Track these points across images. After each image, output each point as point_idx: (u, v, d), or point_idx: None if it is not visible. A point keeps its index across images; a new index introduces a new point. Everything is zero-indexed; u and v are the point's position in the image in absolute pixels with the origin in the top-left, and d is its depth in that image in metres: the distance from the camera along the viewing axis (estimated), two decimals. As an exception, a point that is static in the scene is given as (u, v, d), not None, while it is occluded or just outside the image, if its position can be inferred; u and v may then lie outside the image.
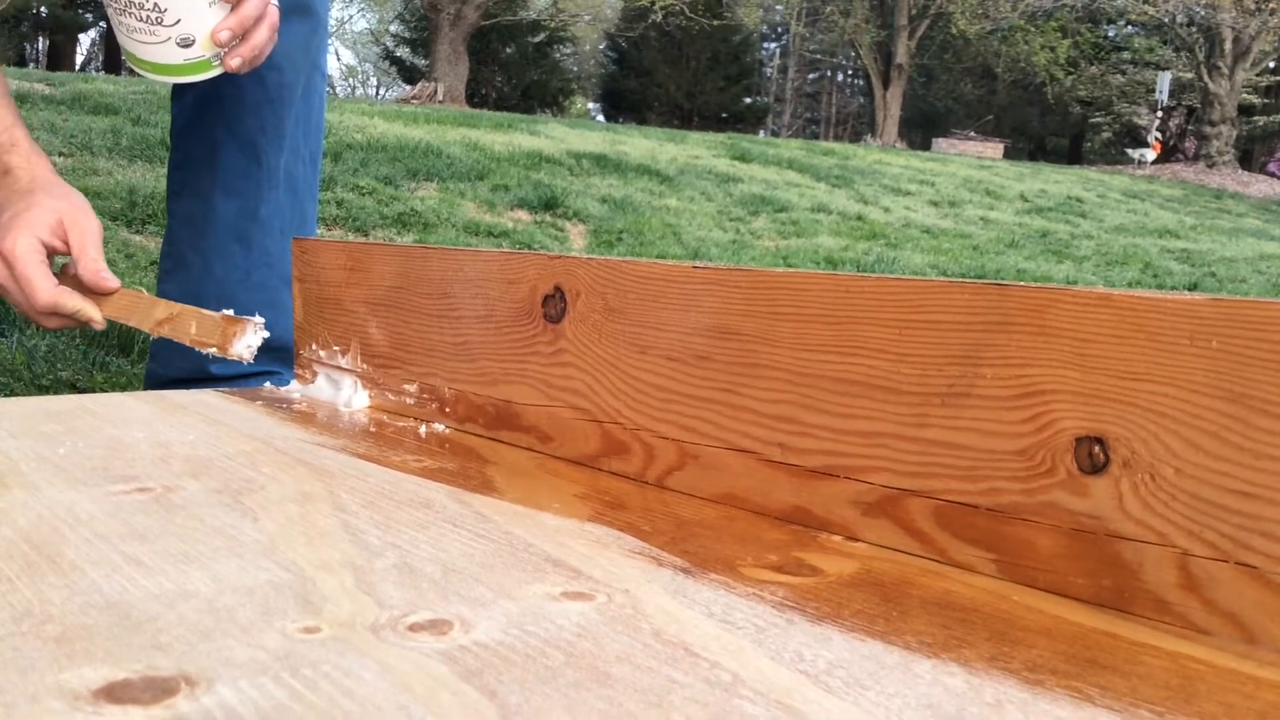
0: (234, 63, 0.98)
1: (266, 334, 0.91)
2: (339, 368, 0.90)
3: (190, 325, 0.90)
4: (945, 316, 0.50)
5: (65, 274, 0.95)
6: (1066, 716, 0.35)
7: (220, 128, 1.20)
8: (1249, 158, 22.29)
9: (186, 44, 0.96)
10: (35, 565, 0.45)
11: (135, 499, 0.56)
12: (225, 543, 0.50)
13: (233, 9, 0.96)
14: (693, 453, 0.61)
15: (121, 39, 1.00)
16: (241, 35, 0.98)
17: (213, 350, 0.90)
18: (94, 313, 0.92)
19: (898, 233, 6.69)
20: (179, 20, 0.95)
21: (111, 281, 0.92)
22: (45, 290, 0.90)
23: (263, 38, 0.99)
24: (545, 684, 0.36)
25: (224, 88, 1.04)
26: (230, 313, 0.90)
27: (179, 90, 1.20)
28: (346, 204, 4.62)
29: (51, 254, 0.93)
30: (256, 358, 1.19)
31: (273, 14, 1.00)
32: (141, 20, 0.95)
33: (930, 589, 0.47)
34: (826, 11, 24.68)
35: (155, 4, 0.94)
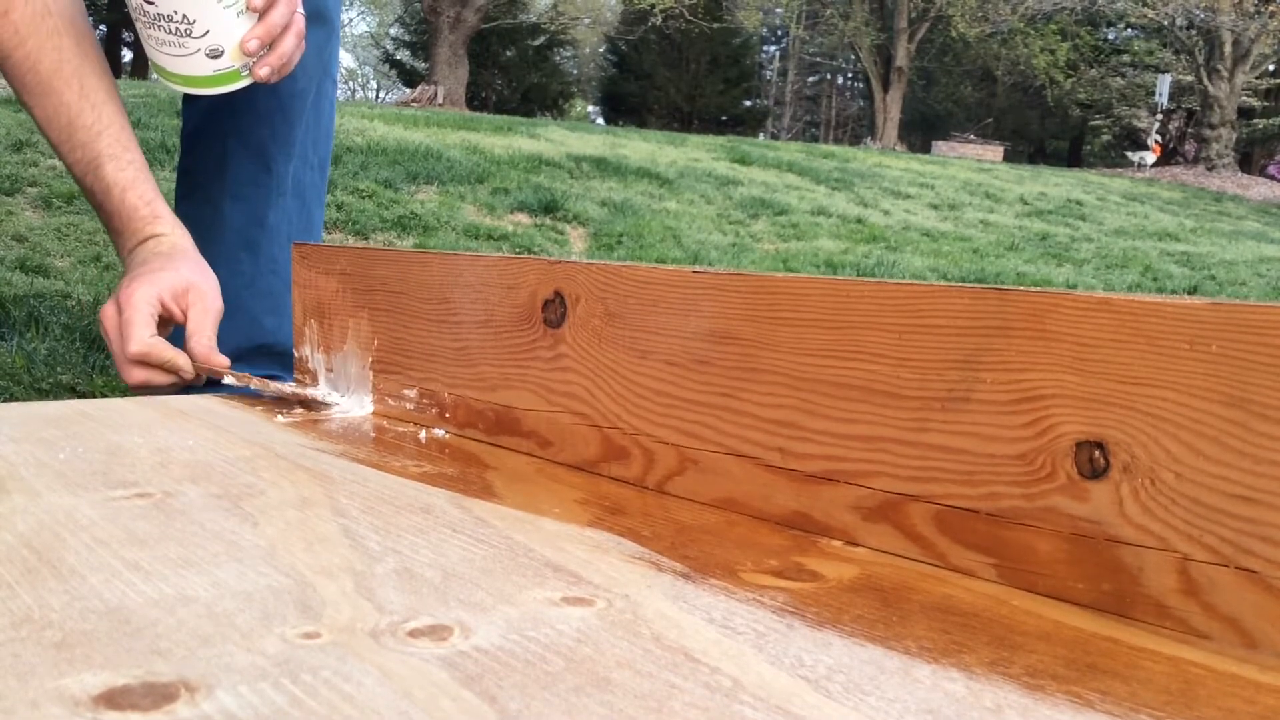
0: (263, 72, 0.99)
1: (337, 403, 0.90)
2: (338, 373, 0.90)
3: (270, 386, 0.91)
4: (945, 321, 0.50)
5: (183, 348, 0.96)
6: (1067, 722, 0.35)
7: (230, 134, 1.20)
8: (1249, 160, 22.29)
9: (215, 55, 0.97)
10: (35, 570, 0.45)
11: (135, 504, 0.56)
12: (225, 548, 0.50)
13: (260, 18, 0.96)
14: (693, 458, 0.61)
15: (150, 53, 1.00)
16: (269, 44, 0.98)
17: (290, 389, 0.90)
18: (184, 362, 0.92)
19: (898, 236, 6.70)
20: (208, 31, 0.95)
21: (220, 361, 0.92)
22: (138, 340, 0.90)
23: (290, 46, 0.99)
24: (545, 689, 0.36)
25: (236, 95, 1.05)
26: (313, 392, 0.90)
27: (190, 95, 1.20)
28: (346, 207, 4.62)
29: (166, 317, 0.93)
30: (258, 362, 1.19)
31: (299, 22, 1.00)
32: (170, 33, 0.96)
33: (930, 594, 0.47)
34: (826, 14, 24.70)
35: (184, 16, 0.94)
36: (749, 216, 6.53)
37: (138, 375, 0.92)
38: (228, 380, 0.91)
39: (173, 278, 0.93)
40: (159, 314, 0.93)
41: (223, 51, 0.96)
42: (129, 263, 0.99)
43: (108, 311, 0.94)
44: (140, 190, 1.00)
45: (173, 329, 0.97)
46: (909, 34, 21.86)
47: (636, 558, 0.50)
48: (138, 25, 0.98)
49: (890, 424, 0.52)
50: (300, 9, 1.01)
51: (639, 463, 0.65)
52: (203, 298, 0.94)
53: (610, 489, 0.64)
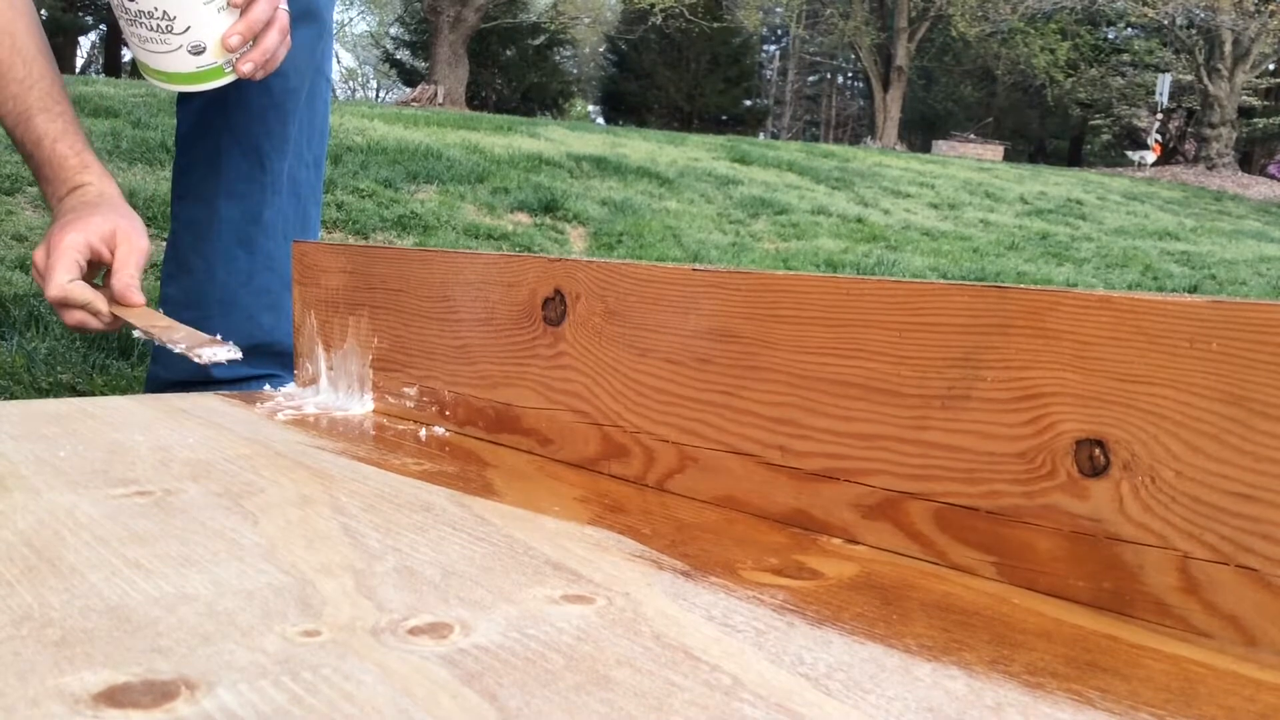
0: (246, 68, 0.99)
1: (237, 357, 0.91)
2: (338, 370, 0.90)
3: (177, 334, 0.92)
4: (945, 319, 0.50)
5: (105, 285, 1.00)
6: (1067, 719, 0.35)
7: (224, 133, 1.20)
8: (1249, 160, 22.28)
9: (198, 51, 0.97)
10: (35, 569, 0.45)
11: (135, 502, 0.56)
12: (225, 546, 0.50)
13: (242, 14, 0.97)
14: (693, 455, 0.61)
15: (134, 51, 1.00)
16: (252, 40, 0.98)
17: (181, 348, 0.91)
18: (102, 306, 0.95)
19: (898, 235, 6.69)
20: (189, 28, 0.95)
21: (137, 298, 0.96)
22: (56, 284, 0.93)
23: (274, 42, 1.00)
24: (545, 687, 0.36)
25: (229, 93, 1.05)
26: (219, 338, 0.91)
27: (184, 95, 1.20)
28: (346, 206, 4.61)
29: (95, 260, 0.97)
30: (258, 361, 1.19)
31: (282, 18, 1.00)
32: (152, 30, 0.96)
33: (930, 592, 0.47)
34: (826, 14, 24.68)
35: (164, 12, 0.95)
36: (749, 216, 6.53)
37: (72, 317, 0.96)
38: (137, 327, 0.94)
39: (101, 223, 0.97)
40: (88, 258, 0.96)
41: (205, 48, 0.97)
42: (58, 210, 1.02)
43: (38, 256, 0.98)
44: (70, 141, 1.02)
45: (102, 271, 1.00)
46: (909, 33, 21.84)
47: (636, 556, 0.50)
48: (121, 24, 0.99)
49: (890, 422, 0.52)
50: (284, 5, 1.01)
51: (639, 461, 0.65)
52: (128, 239, 0.97)
53: (610, 487, 0.64)
